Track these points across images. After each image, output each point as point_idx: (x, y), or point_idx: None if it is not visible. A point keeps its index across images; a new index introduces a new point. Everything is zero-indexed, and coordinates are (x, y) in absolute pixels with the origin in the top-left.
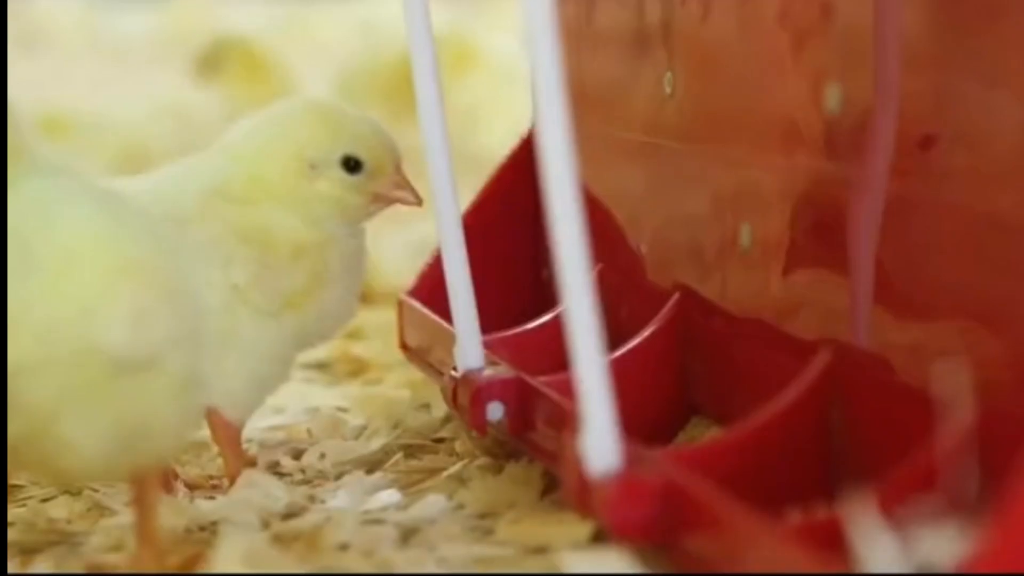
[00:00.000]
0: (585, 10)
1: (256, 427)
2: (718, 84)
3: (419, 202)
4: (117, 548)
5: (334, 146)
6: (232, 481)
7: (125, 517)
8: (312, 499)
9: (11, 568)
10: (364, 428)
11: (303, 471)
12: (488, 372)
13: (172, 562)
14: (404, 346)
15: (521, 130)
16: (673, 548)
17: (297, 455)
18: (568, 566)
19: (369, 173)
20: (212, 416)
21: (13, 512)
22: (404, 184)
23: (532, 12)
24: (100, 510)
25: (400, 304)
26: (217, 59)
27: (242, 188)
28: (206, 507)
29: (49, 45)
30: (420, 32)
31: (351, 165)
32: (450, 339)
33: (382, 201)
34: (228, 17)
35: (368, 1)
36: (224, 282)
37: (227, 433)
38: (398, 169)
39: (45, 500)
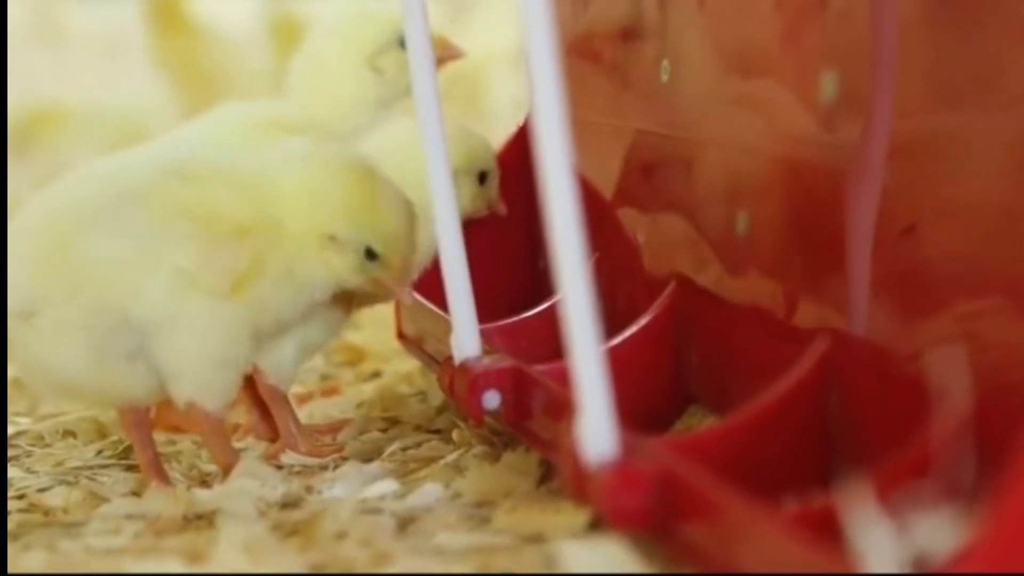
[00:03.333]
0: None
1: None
2: (714, 71)
3: (410, 303)
4: (114, 533)
5: (362, 234)
6: (226, 471)
7: (120, 506)
8: (309, 489)
9: (10, 555)
10: (361, 415)
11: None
12: (485, 361)
13: None
14: (401, 335)
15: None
16: (670, 536)
17: None
18: (565, 554)
19: (382, 264)
20: (191, 411)
21: (11, 503)
22: (406, 281)
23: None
24: (96, 499)
25: None
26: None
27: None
28: (203, 496)
29: (46, 38)
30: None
31: (370, 255)
32: (447, 328)
33: (380, 288)
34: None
35: None
36: (172, 264)
37: (209, 424)
38: (405, 263)
39: (42, 490)
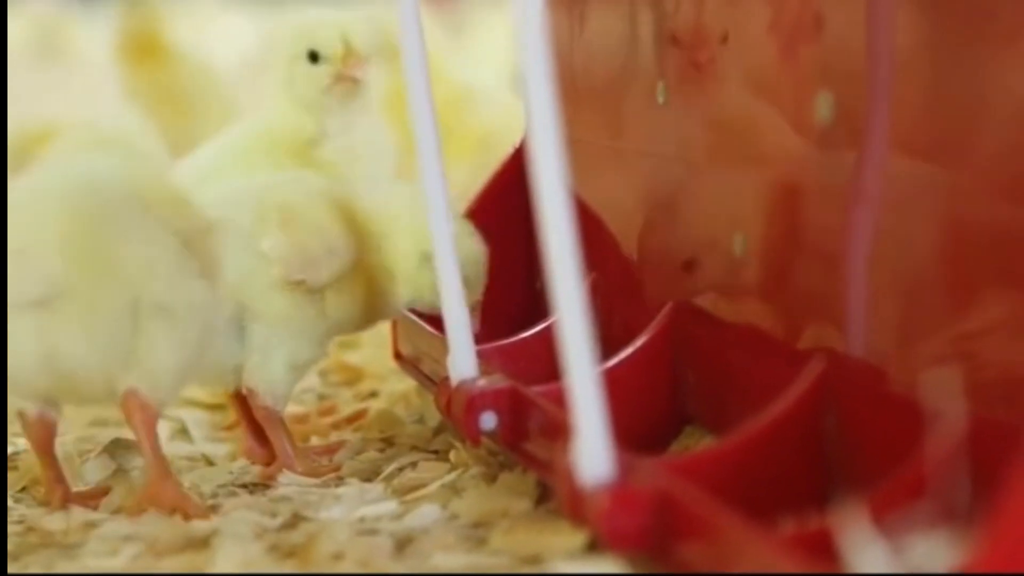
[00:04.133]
0: (577, 19)
1: None
2: (710, 93)
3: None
4: (112, 554)
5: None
6: (156, 471)
7: (118, 527)
8: (307, 508)
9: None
10: (358, 438)
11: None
12: (482, 382)
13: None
14: (398, 355)
15: None
16: (666, 558)
17: None
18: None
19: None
20: (130, 400)
21: (10, 526)
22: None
23: (523, 22)
24: (93, 524)
25: None
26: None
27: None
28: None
29: (46, 57)
30: (411, 38)
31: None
32: (443, 348)
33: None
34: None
35: None
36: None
37: (144, 416)
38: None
39: (43, 515)
